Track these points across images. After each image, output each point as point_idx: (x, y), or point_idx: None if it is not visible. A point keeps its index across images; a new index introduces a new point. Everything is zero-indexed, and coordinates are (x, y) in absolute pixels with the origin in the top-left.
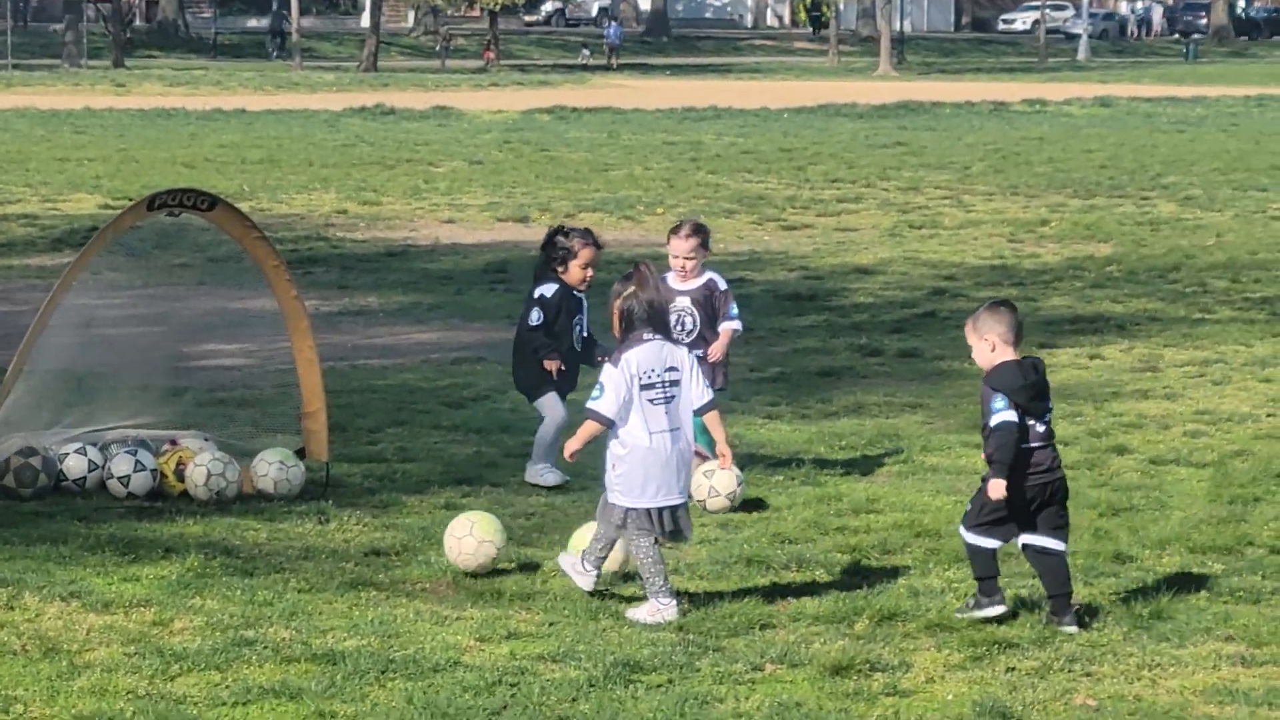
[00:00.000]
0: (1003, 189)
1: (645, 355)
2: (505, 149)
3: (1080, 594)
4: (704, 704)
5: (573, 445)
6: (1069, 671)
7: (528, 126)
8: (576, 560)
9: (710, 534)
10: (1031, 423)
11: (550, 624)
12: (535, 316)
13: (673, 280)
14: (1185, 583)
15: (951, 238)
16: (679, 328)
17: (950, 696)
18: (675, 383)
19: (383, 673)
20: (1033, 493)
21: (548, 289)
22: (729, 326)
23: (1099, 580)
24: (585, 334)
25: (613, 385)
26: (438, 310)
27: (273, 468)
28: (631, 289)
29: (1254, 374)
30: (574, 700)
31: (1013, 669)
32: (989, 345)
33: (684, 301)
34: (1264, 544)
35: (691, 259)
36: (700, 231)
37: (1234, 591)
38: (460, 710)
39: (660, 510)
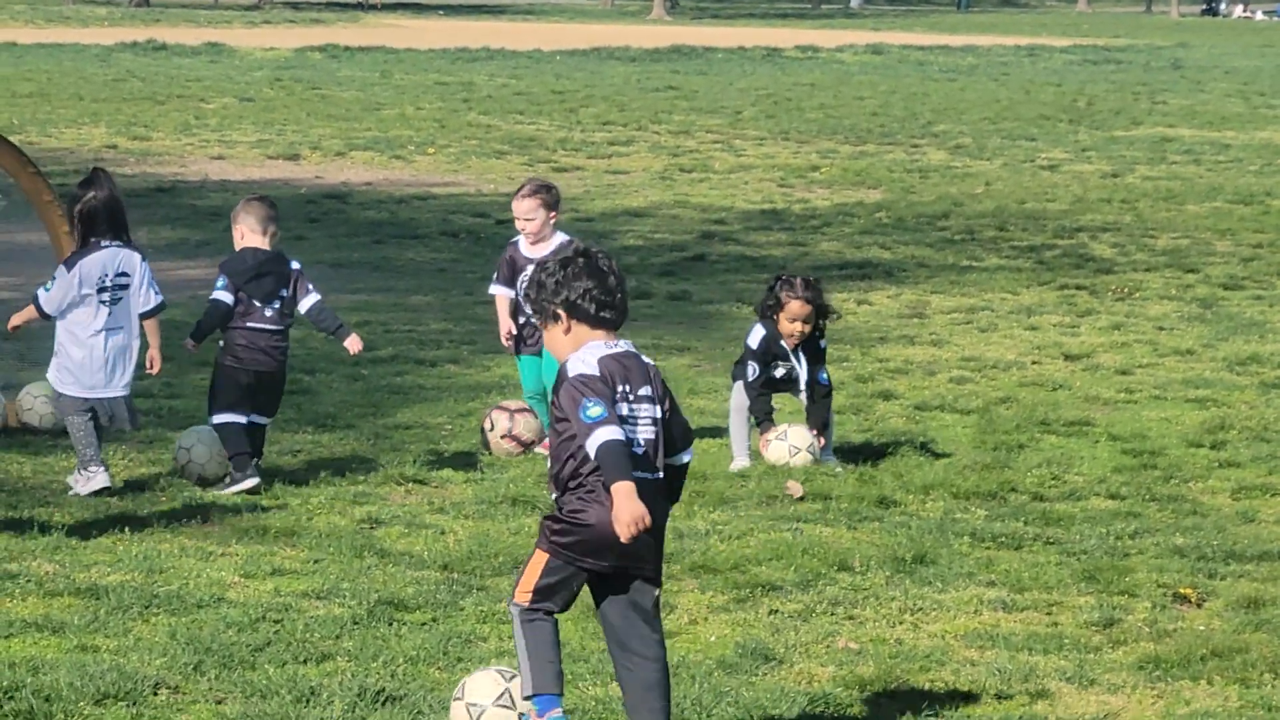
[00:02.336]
0: (774, 134)
1: (96, 261)
2: (276, 86)
3: (845, 538)
4: (467, 642)
5: (14, 320)
6: (831, 615)
7: (300, 65)
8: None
9: (475, 474)
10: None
11: (315, 561)
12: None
13: (523, 246)
14: (948, 528)
15: (722, 182)
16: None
17: (714, 638)
18: (124, 286)
19: (146, 607)
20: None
21: (754, 336)
22: None
23: (862, 525)
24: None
25: (61, 285)
26: (205, 247)
27: (38, 401)
28: (91, 193)
29: (1020, 322)
30: (338, 637)
31: (775, 611)
32: (239, 234)
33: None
34: (1026, 490)
35: (531, 219)
36: (541, 191)
37: (996, 537)
38: (224, 646)
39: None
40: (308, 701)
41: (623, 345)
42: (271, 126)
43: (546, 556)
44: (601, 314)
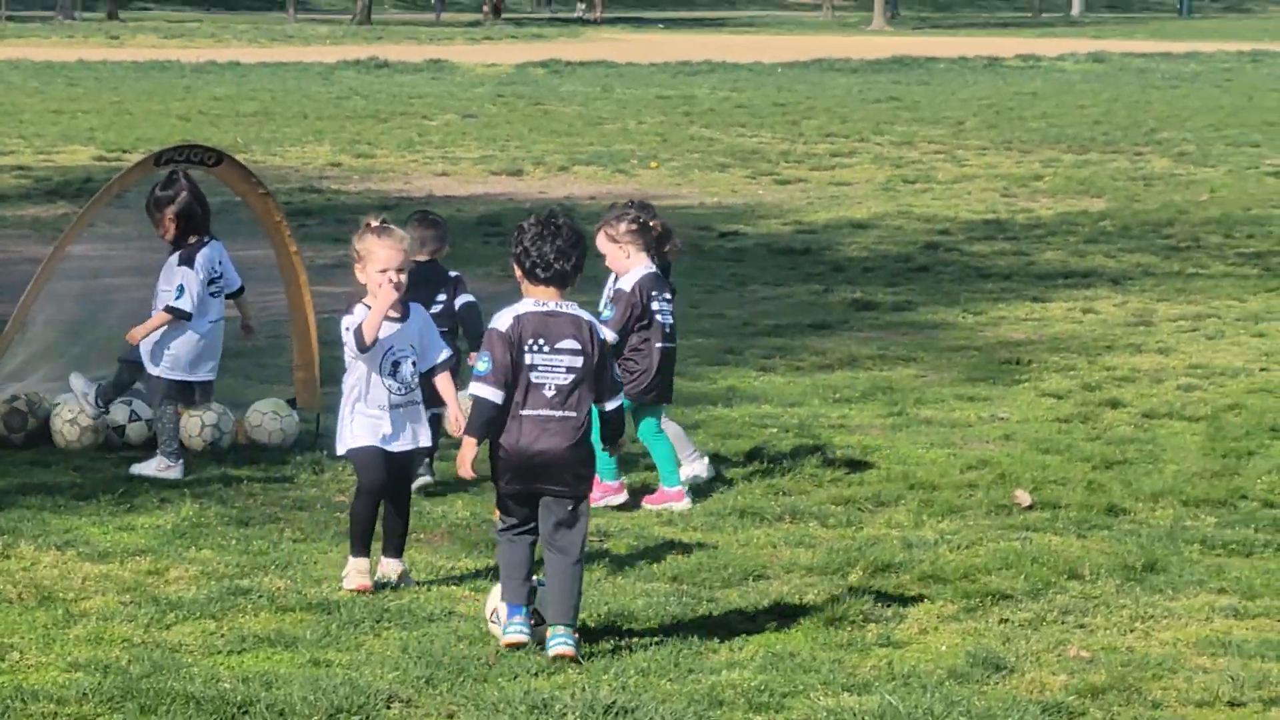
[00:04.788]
0: (996, 144)
1: (205, 256)
2: (499, 103)
3: (1074, 547)
4: (698, 654)
5: (137, 333)
6: (1062, 623)
7: (521, 80)
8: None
9: (703, 486)
10: None
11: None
12: None
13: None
14: (1178, 535)
15: (945, 192)
16: None
17: (944, 648)
18: (222, 276)
19: (377, 621)
20: None
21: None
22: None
23: (1092, 533)
24: None
25: (192, 284)
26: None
27: (266, 418)
28: (182, 193)
29: (1247, 328)
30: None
31: (1006, 620)
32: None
33: None
34: (1257, 497)
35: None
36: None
37: (1227, 544)
38: (455, 660)
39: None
40: (540, 714)
41: (552, 305)
42: (494, 142)
43: (498, 484)
44: (536, 271)
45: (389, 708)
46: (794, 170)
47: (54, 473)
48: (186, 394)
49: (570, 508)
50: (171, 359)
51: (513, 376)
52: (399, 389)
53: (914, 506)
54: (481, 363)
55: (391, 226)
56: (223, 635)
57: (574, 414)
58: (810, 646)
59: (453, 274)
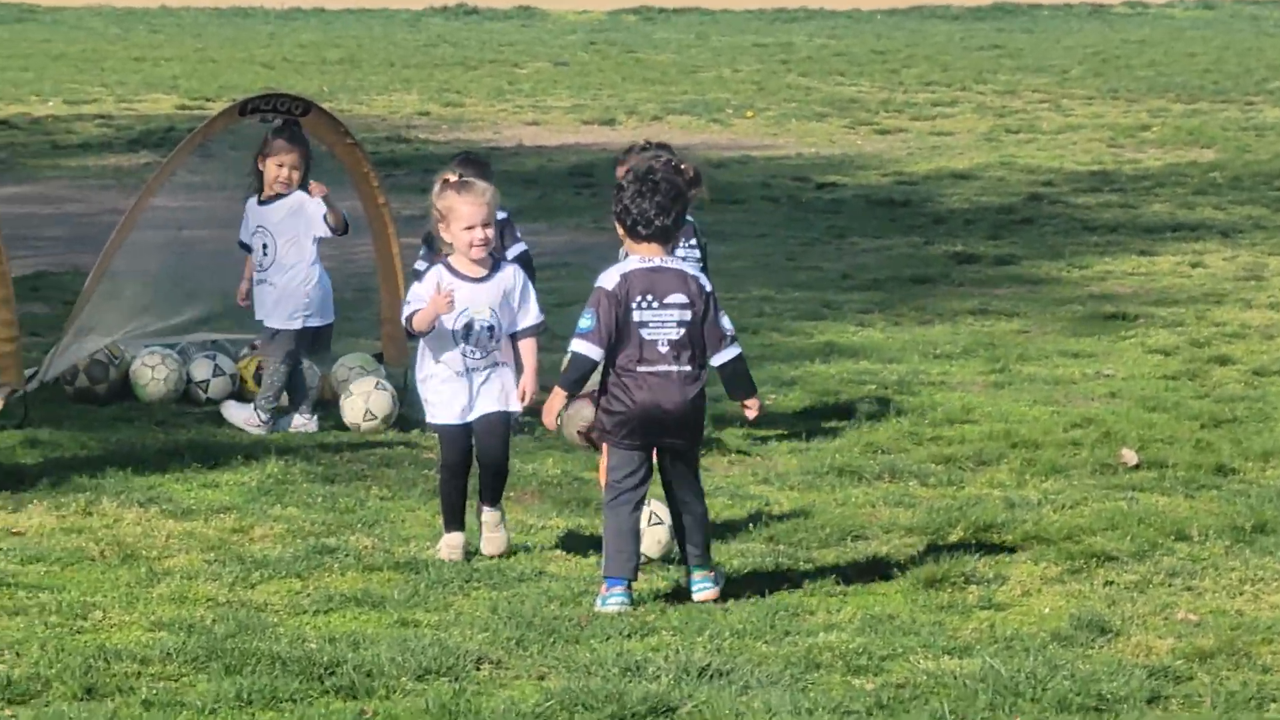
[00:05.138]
0: (1102, 93)
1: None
2: (591, 50)
3: (1181, 507)
4: (794, 615)
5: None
6: (1169, 586)
7: (614, 27)
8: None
9: (800, 444)
10: None
11: None
12: None
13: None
14: None
15: (1050, 142)
16: None
17: (1047, 610)
18: None
19: (466, 582)
20: None
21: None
22: None
23: (1200, 493)
24: None
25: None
26: (521, 214)
27: (353, 372)
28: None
29: None
30: (662, 611)
31: (1111, 582)
32: None
33: None
34: None
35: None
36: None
37: None
38: (545, 621)
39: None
40: (632, 676)
41: (657, 261)
42: (586, 91)
43: (607, 447)
44: (637, 229)
45: (478, 669)
46: (894, 120)
47: (137, 429)
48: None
49: (687, 460)
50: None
51: (623, 334)
52: (473, 352)
53: (1016, 465)
54: (585, 319)
55: (472, 180)
56: (309, 595)
57: (688, 367)
58: (910, 608)
59: (500, 214)
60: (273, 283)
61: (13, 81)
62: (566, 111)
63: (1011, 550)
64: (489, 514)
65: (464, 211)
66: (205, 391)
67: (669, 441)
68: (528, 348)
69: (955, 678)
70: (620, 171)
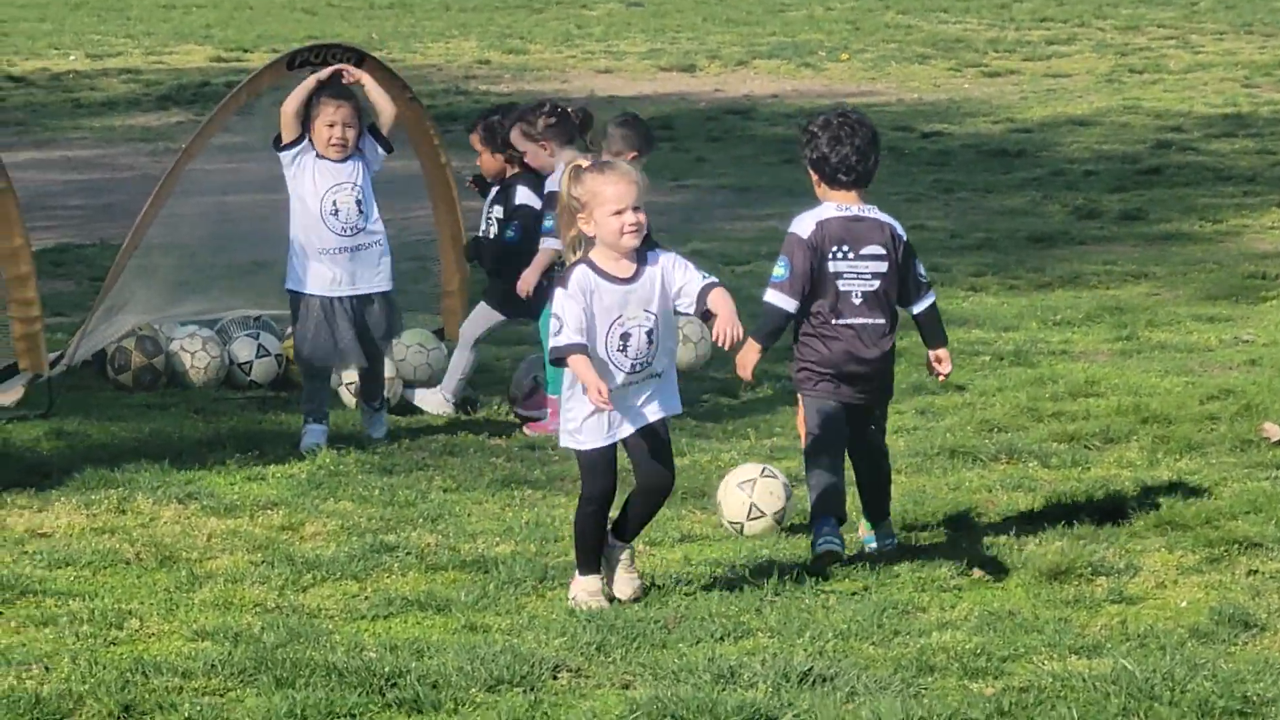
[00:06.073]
0: (1235, 27)
1: None
2: None
3: None
4: (904, 613)
5: None
6: None
7: None
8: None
9: (908, 422)
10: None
11: None
12: None
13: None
14: None
15: (1178, 83)
16: None
17: (1184, 603)
18: None
19: (540, 581)
20: None
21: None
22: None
23: None
24: None
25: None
26: None
27: (411, 351)
28: None
29: None
30: (758, 610)
31: (1255, 572)
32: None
33: None
34: None
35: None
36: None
37: None
38: (629, 624)
39: None
40: (726, 683)
41: (855, 209)
42: (663, 34)
43: (802, 398)
44: (838, 176)
45: (556, 678)
46: (1004, 61)
47: (173, 416)
48: None
49: (877, 416)
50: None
51: (818, 285)
52: (634, 365)
53: (1147, 443)
54: (779, 267)
55: (611, 160)
56: (366, 598)
57: (882, 320)
58: (1032, 604)
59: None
60: (381, 241)
61: (29, 34)
62: (641, 57)
63: (1144, 537)
64: (624, 551)
65: (610, 194)
66: (248, 374)
67: (861, 396)
68: (716, 296)
69: (1084, 680)
70: (515, 134)
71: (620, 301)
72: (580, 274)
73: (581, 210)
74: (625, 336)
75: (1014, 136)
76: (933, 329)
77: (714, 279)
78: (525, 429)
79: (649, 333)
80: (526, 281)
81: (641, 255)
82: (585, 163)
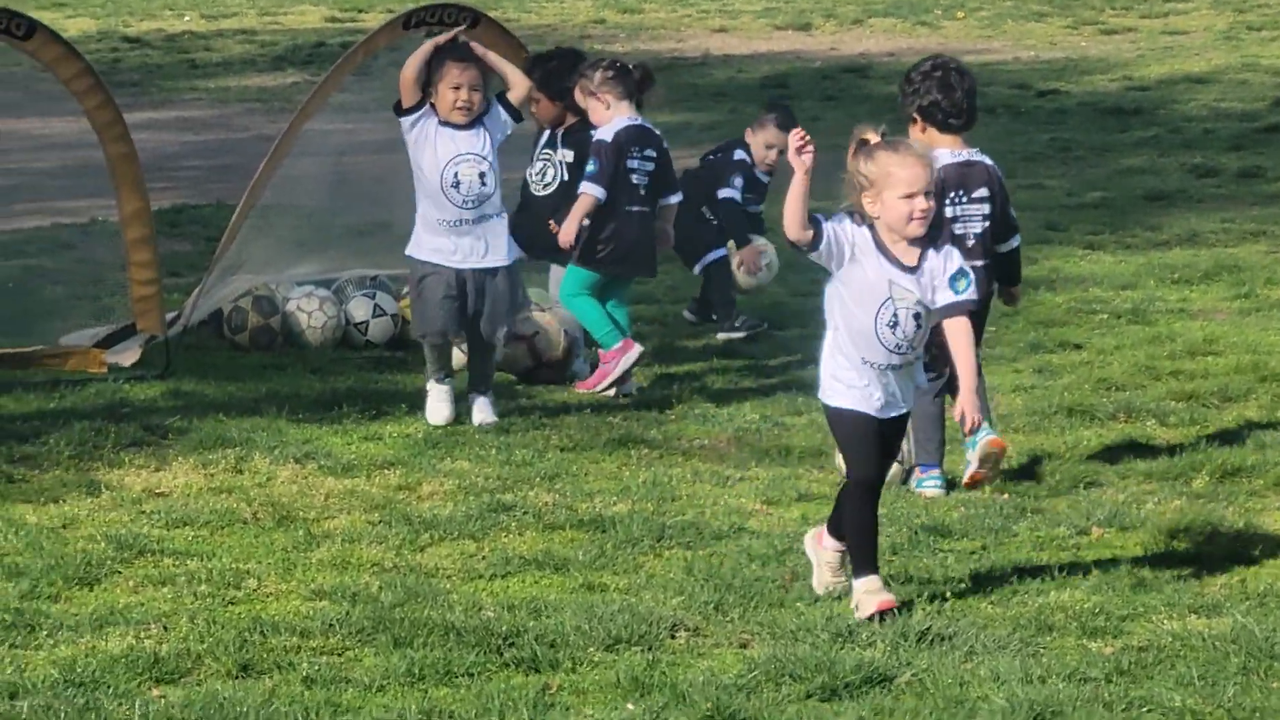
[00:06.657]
0: None
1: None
2: None
3: None
4: (1022, 574)
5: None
6: None
7: None
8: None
9: (1025, 380)
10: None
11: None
12: None
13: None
14: None
15: None
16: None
17: None
18: None
19: (658, 540)
20: None
21: None
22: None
23: None
24: None
25: None
26: (710, 131)
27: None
28: None
29: None
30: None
31: None
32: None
33: None
34: None
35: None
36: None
37: None
38: (747, 582)
39: None
40: (844, 643)
41: (965, 154)
42: None
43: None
44: (950, 121)
45: (673, 637)
46: (1121, 18)
47: (290, 376)
48: None
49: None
50: None
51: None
52: (900, 346)
53: (1266, 401)
54: None
55: (905, 140)
56: (484, 557)
57: (983, 261)
58: (1150, 563)
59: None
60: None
61: None
62: (757, 16)
63: (1263, 496)
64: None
65: (904, 176)
66: (365, 334)
67: None
68: (957, 330)
69: (1203, 639)
70: (576, 91)
71: (897, 277)
72: (863, 235)
73: (869, 188)
74: (895, 317)
75: (1131, 95)
76: (1012, 269)
77: (964, 297)
78: (575, 386)
79: (916, 315)
80: (568, 232)
81: (927, 242)
82: (874, 138)
